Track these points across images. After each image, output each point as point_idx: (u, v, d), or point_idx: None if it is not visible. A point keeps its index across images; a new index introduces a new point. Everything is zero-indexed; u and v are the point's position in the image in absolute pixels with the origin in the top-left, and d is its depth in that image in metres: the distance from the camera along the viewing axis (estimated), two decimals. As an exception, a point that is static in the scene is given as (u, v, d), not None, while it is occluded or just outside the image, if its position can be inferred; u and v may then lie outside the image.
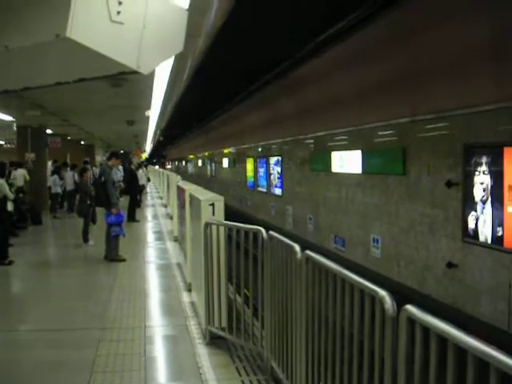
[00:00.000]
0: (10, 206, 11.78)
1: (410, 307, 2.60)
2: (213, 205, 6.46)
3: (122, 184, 19.21)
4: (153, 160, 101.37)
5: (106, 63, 4.51)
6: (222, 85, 18.11)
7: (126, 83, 11.27)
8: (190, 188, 9.25)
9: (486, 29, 8.37)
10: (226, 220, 6.51)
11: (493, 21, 8.22)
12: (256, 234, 5.34)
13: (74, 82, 5.16)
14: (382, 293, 2.88)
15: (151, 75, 11.69)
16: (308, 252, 4.06)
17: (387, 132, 12.24)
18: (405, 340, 2.63)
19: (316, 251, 3.99)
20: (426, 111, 10.38)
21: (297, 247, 4.33)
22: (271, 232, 5.05)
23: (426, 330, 2.48)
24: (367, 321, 3.10)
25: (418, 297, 10.56)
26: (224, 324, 6.24)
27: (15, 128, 21.97)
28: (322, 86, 14.82)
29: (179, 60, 11.88)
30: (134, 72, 4.65)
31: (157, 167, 63.17)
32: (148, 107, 18.76)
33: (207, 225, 6.22)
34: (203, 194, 7.36)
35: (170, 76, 14.02)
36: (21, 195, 16.31)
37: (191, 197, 8.20)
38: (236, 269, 6.19)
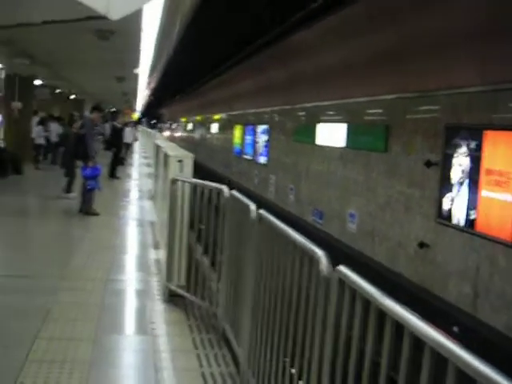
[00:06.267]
0: None
1: (342, 268, 2.57)
2: (181, 161, 6.40)
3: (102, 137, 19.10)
4: (150, 121, 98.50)
5: (73, 5, 4.40)
6: (213, 48, 17.92)
7: (113, 36, 11.12)
8: (166, 145, 9.19)
9: (475, 10, 8.28)
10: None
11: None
12: (219, 192, 5.36)
13: (44, 23, 5.05)
14: (320, 253, 2.85)
15: (138, 30, 11.54)
16: (261, 211, 4.02)
17: (372, 110, 12.16)
18: (335, 300, 2.60)
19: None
20: (412, 89, 10.30)
21: (252, 206, 4.29)
22: (232, 191, 5.04)
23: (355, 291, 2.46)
24: (305, 281, 3.07)
25: (389, 274, 10.58)
26: (183, 282, 6.23)
27: (2, 76, 21.70)
28: (312, 57, 14.68)
29: (168, 17, 11.73)
30: (103, 17, 4.55)
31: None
32: (136, 65, 18.60)
33: (174, 181, 6.18)
34: (175, 151, 7.30)
35: (158, 33, 13.87)
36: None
37: (164, 154, 8.16)
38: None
